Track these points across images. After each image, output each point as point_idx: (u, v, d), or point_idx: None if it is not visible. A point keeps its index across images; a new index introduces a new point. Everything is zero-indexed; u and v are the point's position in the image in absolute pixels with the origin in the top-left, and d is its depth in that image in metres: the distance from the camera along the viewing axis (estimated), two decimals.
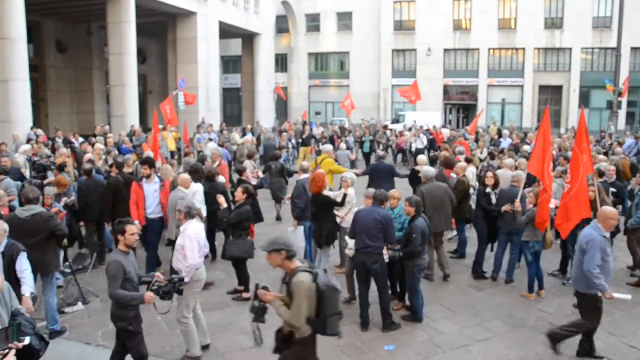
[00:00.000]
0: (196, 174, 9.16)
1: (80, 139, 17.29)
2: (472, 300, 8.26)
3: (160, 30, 32.09)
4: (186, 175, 8.83)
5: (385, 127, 27.98)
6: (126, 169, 10.40)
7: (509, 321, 7.53)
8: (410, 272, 7.32)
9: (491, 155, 14.85)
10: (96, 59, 30.92)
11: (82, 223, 9.64)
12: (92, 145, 14.53)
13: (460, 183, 9.93)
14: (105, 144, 14.71)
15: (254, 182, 10.05)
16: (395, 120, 35.14)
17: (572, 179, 7.77)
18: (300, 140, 22.48)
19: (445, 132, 22.26)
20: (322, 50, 49.08)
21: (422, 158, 12.37)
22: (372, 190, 7.70)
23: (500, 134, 21.81)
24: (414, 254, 7.18)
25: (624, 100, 34.86)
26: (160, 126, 17.97)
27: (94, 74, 30.93)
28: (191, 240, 6.22)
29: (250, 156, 13.34)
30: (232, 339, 6.80)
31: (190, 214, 6.42)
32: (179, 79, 24.07)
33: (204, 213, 8.86)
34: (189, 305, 6.27)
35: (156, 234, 9.07)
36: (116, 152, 13.64)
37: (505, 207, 8.61)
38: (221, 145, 17.02)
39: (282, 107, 46.36)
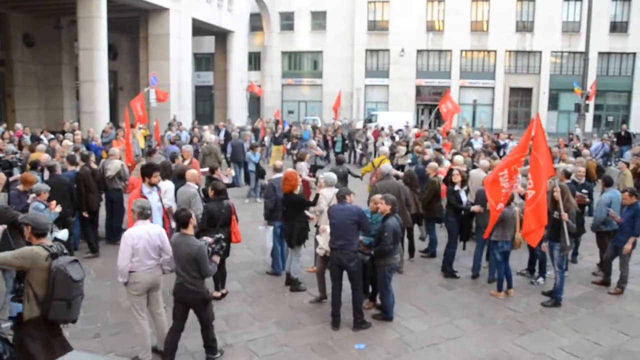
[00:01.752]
0: (164, 171, 9.02)
1: (50, 136, 16.95)
2: (442, 299, 8.33)
3: (132, 26, 31.66)
4: (194, 171, 8.98)
5: (364, 126, 28.09)
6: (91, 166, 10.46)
7: (479, 320, 7.63)
8: (382, 271, 7.34)
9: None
10: (66, 54, 30.36)
11: None
12: (61, 142, 14.24)
13: (431, 183, 10.02)
14: (74, 141, 14.43)
15: (226, 180, 9.96)
16: (368, 120, 35.28)
17: (535, 184, 7.91)
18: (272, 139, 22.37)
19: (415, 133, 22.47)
20: (295, 49, 49.04)
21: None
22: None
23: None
24: (385, 253, 7.20)
25: (591, 103, 35.66)
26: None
27: (63, 70, 30.34)
28: (125, 241, 5.94)
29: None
30: (202, 338, 6.73)
31: (143, 214, 6.09)
32: (150, 75, 23.84)
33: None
34: (134, 307, 6.09)
35: None
36: (84, 149, 13.40)
37: (474, 208, 8.74)
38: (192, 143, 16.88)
39: (254, 105, 46.16)
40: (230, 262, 8.73)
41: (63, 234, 7.36)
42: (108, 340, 6.74)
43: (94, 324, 7.15)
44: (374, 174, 11.46)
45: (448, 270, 9.33)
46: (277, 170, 9.81)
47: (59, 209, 7.84)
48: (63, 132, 17.04)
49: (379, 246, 7.19)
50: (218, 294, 7.96)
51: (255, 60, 48.68)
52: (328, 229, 7.41)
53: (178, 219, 6.09)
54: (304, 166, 12.14)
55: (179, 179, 9.22)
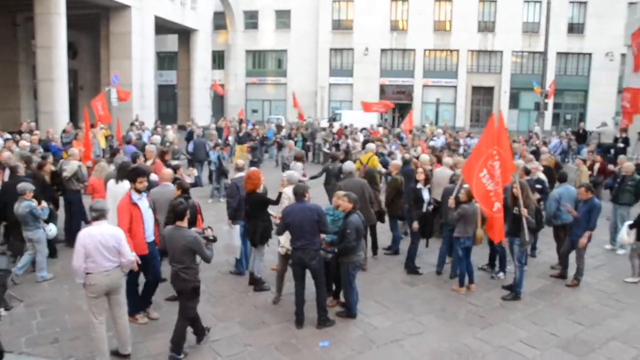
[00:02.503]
0: (123, 172, 8.84)
1: (7, 136, 16.49)
2: (405, 296, 8.42)
3: (92, 24, 31.05)
4: (170, 170, 8.99)
5: (331, 125, 28.13)
6: (47, 168, 10.25)
7: (441, 315, 7.73)
8: (346, 268, 7.36)
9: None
10: (23, 52, 29.58)
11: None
12: (17, 142, 13.86)
13: (394, 181, 10.11)
14: (31, 142, 14.06)
15: (189, 180, 9.85)
16: (332, 119, 35.38)
17: (502, 175, 8.10)
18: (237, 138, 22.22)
19: (381, 131, 22.64)
20: (260, 47, 48.85)
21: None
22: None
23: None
24: (349, 250, 7.23)
25: (550, 102, 36.51)
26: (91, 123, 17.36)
27: (20, 68, 29.55)
28: (77, 241, 5.84)
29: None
30: (164, 340, 6.65)
31: (101, 215, 5.94)
32: (111, 74, 23.43)
33: None
34: (91, 310, 5.96)
35: (157, 260, 7.60)
36: (41, 150, 13.08)
37: (450, 201, 8.79)
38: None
39: (218, 104, 45.81)
40: None
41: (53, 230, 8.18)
42: (67, 345, 6.58)
43: (52, 329, 6.97)
44: (362, 171, 11.50)
45: (411, 267, 9.43)
46: (239, 169, 9.75)
47: (44, 203, 8.33)
48: (20, 133, 16.61)
49: (342, 243, 7.21)
50: None
51: (219, 59, 48.28)
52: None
53: (175, 211, 6.23)
54: (299, 166, 12.05)
55: (128, 177, 9.06)
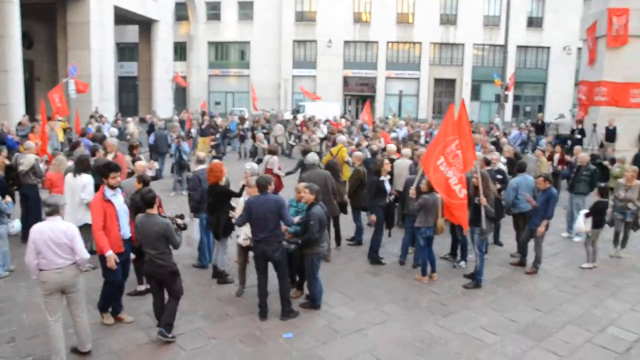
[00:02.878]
0: (81, 165, 8.65)
1: None
2: (368, 286, 8.49)
3: (49, 13, 30.05)
4: (143, 162, 8.93)
5: (295, 117, 28.08)
6: (1, 162, 9.91)
7: (404, 304, 7.82)
8: (309, 259, 7.37)
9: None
10: None
11: None
12: None
13: (356, 172, 10.16)
14: None
15: (150, 173, 9.70)
16: (296, 111, 35.31)
17: (463, 164, 8.24)
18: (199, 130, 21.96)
19: (344, 123, 22.71)
20: (222, 39, 48.35)
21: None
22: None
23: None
24: (312, 241, 7.24)
25: (511, 94, 37.22)
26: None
27: None
28: (29, 237, 5.71)
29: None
30: (126, 335, 6.56)
31: (54, 211, 5.77)
32: (69, 66, 22.83)
33: None
34: (46, 308, 5.81)
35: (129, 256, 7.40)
36: None
37: (412, 191, 8.87)
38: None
39: (180, 96, 45.20)
40: None
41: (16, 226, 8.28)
42: (24, 344, 6.39)
43: (8, 328, 6.78)
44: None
45: (374, 258, 9.51)
46: (200, 161, 9.65)
47: (9, 198, 8.35)
48: None
49: (305, 235, 7.22)
50: (142, 288, 7.78)
51: (181, 51, 47.58)
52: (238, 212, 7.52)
53: (144, 199, 6.41)
54: (275, 160, 11.93)
55: (100, 172, 8.89)
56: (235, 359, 6.17)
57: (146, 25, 36.98)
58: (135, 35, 39.93)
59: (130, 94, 45.45)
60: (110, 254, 6.52)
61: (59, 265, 5.69)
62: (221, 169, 8.42)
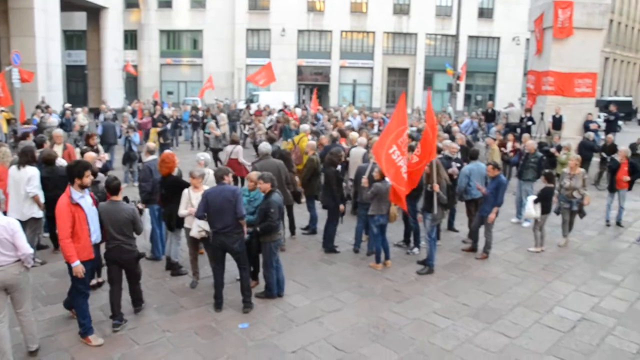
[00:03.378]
0: (25, 156, 8.33)
1: None
2: (323, 274, 8.54)
3: None
4: (93, 154, 8.75)
5: (248, 107, 27.78)
6: None
7: (358, 291, 7.91)
8: (267, 247, 7.31)
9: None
10: None
11: None
12: None
13: (309, 161, 10.18)
14: None
15: (99, 165, 9.48)
16: (250, 101, 35.03)
17: (423, 153, 8.31)
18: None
19: (299, 112, 22.67)
20: (174, 27, 47.41)
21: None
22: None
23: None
24: (272, 229, 7.23)
25: (462, 83, 37.87)
26: None
27: None
28: None
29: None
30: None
31: None
32: (12, 53, 21.91)
33: (42, 199, 8.23)
34: None
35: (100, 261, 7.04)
36: None
37: (364, 181, 8.94)
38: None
39: (132, 86, 44.23)
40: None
41: None
42: None
43: None
44: (294, 152, 11.47)
45: (329, 247, 9.56)
46: (150, 152, 9.46)
47: None
48: None
49: (265, 222, 7.17)
50: (94, 282, 7.61)
51: (131, 39, 46.45)
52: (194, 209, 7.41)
53: (109, 187, 6.50)
54: (240, 150, 11.89)
55: (46, 164, 8.63)
56: (190, 352, 6.11)
57: (94, 12, 35.95)
58: (83, 23, 38.76)
59: (79, 84, 44.18)
60: (77, 264, 5.90)
61: (0, 263, 5.45)
62: (173, 160, 8.29)
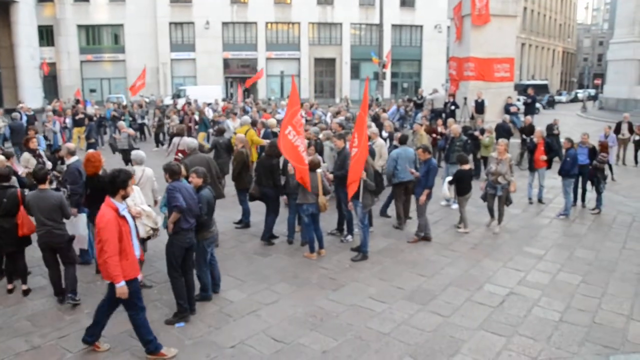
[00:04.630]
0: None
1: None
2: (258, 267, 8.51)
3: None
4: (2, 157, 8.32)
5: (175, 102, 27.19)
6: None
7: (294, 282, 7.93)
8: (201, 245, 7.10)
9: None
10: None
11: None
12: None
13: (239, 154, 10.10)
14: None
15: (19, 170, 9.03)
16: (177, 96, 34.32)
17: (359, 141, 8.43)
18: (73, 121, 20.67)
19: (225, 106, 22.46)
20: (93, 22, 45.71)
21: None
22: None
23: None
24: (202, 225, 7.05)
25: (388, 71, 38.55)
26: None
27: None
28: None
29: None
30: (3, 344, 6.09)
31: None
32: None
33: None
34: None
35: None
36: None
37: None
38: None
39: (51, 85, 42.32)
40: (32, 255, 7.99)
41: None
42: None
43: None
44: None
45: (268, 237, 9.56)
46: (72, 153, 9.01)
47: None
48: None
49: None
50: (11, 286, 7.31)
51: (47, 35, 44.43)
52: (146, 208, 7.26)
53: (37, 176, 7.02)
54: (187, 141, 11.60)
55: (113, 182, 8.08)
56: (127, 355, 5.94)
57: (3, 7, 33.99)
58: None
59: None
60: (122, 284, 5.43)
61: None
62: (99, 159, 7.98)
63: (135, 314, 5.77)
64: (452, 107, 19.65)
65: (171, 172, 6.81)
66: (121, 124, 16.37)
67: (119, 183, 5.59)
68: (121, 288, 5.46)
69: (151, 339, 5.84)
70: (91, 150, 8.41)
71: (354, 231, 9.77)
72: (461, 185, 10.31)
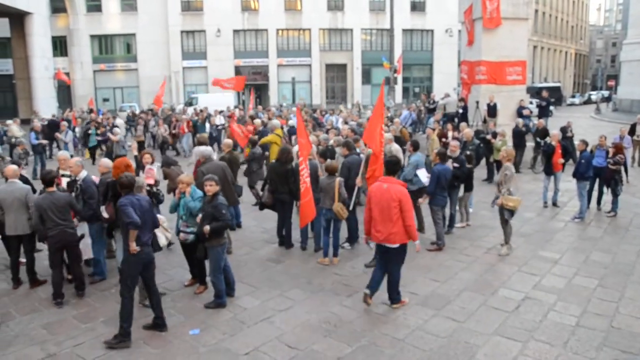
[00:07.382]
0: None
1: None
2: (272, 274, 8.51)
3: None
4: (15, 167, 8.39)
5: (184, 111, 27.34)
6: None
7: (308, 288, 7.92)
8: (216, 251, 7.09)
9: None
10: None
11: None
12: None
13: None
14: None
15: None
16: (189, 103, 34.50)
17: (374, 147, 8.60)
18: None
19: (238, 113, 22.58)
20: (105, 32, 46.12)
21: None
22: None
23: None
24: (226, 228, 7.17)
25: (400, 77, 38.47)
26: None
27: None
28: None
29: None
30: (19, 353, 6.12)
31: None
32: None
33: None
34: None
35: None
36: None
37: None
38: None
39: (65, 94, 42.71)
40: (43, 265, 8.05)
41: None
42: None
43: None
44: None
45: (289, 242, 9.67)
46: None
47: None
48: None
49: (219, 223, 6.95)
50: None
51: (61, 46, 44.90)
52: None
53: (45, 179, 7.31)
54: (210, 150, 11.75)
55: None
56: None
57: (18, 18, 34.37)
58: (7, 29, 37.04)
59: (8, 94, 42.19)
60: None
61: None
62: (128, 163, 7.96)
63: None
64: (461, 110, 19.55)
65: (121, 186, 6.43)
66: (116, 131, 16.46)
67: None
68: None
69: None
70: (105, 159, 8.42)
71: (356, 240, 9.70)
72: (461, 184, 10.53)
